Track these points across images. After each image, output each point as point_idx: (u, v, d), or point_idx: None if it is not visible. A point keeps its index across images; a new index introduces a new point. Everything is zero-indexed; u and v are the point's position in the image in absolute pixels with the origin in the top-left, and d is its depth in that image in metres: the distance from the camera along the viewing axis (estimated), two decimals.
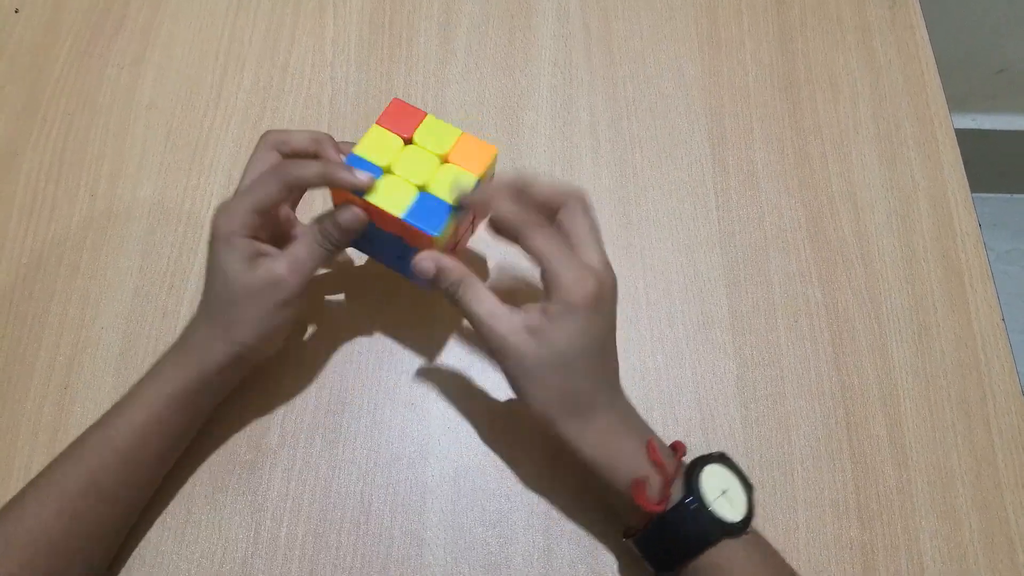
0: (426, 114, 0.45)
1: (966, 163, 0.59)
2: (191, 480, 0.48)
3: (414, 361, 0.52)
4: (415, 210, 0.43)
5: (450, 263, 0.43)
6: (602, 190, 0.57)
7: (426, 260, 0.43)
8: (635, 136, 0.59)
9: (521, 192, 0.43)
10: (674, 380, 0.52)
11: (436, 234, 0.43)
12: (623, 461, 0.41)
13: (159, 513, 0.47)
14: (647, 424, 0.44)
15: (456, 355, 0.52)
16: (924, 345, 0.53)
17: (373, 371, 0.51)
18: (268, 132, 0.47)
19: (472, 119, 0.59)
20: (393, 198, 0.43)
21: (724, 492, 0.40)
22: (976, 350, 0.53)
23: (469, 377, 0.51)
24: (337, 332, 0.52)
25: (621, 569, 0.46)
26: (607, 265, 0.43)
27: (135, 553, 0.46)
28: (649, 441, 0.41)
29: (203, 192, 0.57)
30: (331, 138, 0.46)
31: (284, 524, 0.47)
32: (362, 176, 0.43)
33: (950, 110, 0.61)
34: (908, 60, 0.62)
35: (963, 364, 0.52)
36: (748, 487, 0.41)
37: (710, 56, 0.62)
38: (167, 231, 0.55)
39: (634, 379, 0.51)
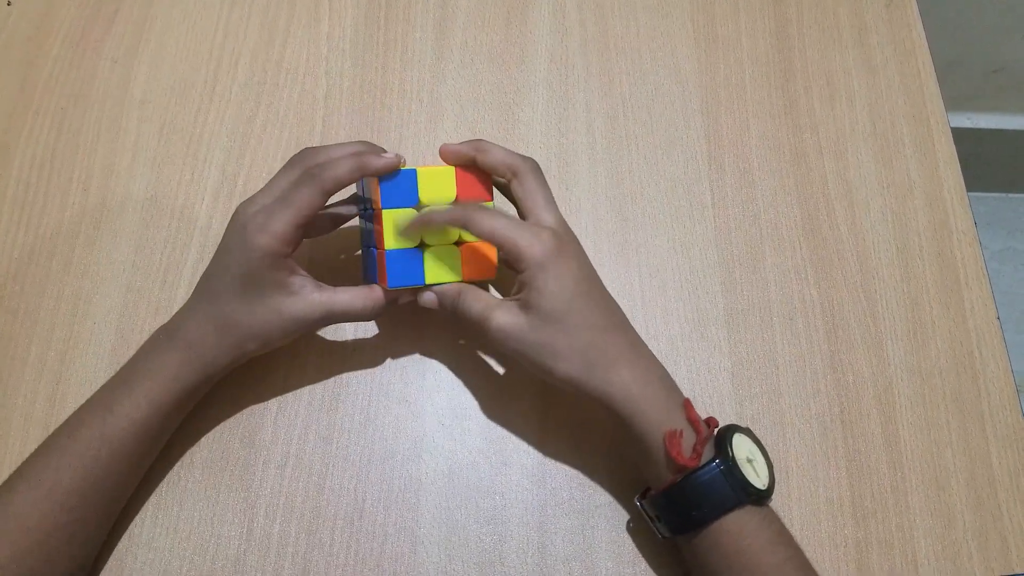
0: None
1: (962, 162, 0.59)
2: (184, 476, 0.48)
3: (408, 358, 0.52)
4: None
5: (447, 285, 0.46)
6: (598, 187, 0.57)
7: (427, 294, 0.46)
8: (631, 133, 0.59)
9: (475, 160, 0.45)
10: None
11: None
12: (655, 412, 0.41)
13: (152, 509, 0.47)
14: (677, 386, 0.44)
15: (450, 352, 0.52)
16: (919, 343, 0.53)
17: (367, 367, 0.51)
18: (305, 153, 0.46)
19: (467, 114, 0.59)
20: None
21: (750, 461, 0.41)
22: (971, 348, 0.53)
23: (463, 374, 0.51)
24: (331, 328, 0.52)
25: (615, 566, 0.46)
26: (561, 222, 0.45)
27: (128, 549, 0.46)
28: (686, 401, 0.42)
29: (197, 187, 0.56)
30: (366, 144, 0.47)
31: (277, 521, 0.47)
32: (390, 156, 0.44)
33: (946, 109, 0.61)
34: (905, 59, 0.62)
35: (958, 362, 0.52)
36: (770, 463, 0.43)
37: (706, 53, 0.62)
38: (160, 226, 0.55)
39: None
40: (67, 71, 0.60)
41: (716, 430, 0.43)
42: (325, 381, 0.51)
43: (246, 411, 0.50)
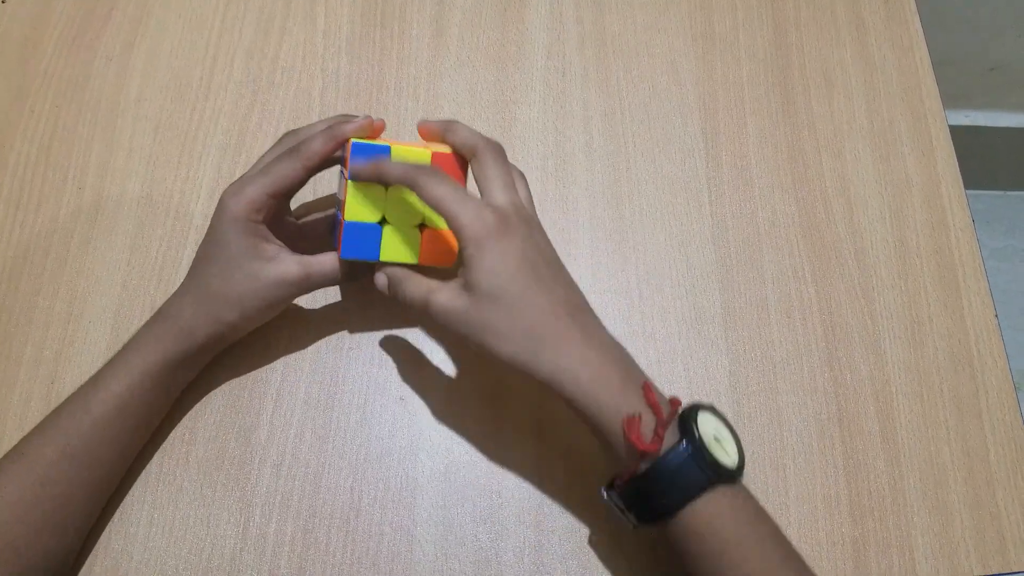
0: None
1: (959, 159, 0.59)
2: (180, 475, 0.48)
3: (405, 356, 0.51)
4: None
5: (395, 269, 0.45)
6: (595, 184, 0.57)
7: (379, 276, 0.45)
8: (628, 130, 0.59)
9: (444, 138, 0.45)
10: (666, 375, 0.51)
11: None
12: (611, 397, 0.39)
13: (147, 508, 0.47)
14: (639, 368, 0.42)
15: (447, 349, 0.52)
16: (917, 341, 0.53)
17: (363, 366, 0.51)
18: (291, 135, 0.48)
19: (465, 113, 0.59)
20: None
21: (717, 440, 0.39)
22: (969, 346, 0.53)
23: (460, 372, 0.51)
24: (327, 326, 0.52)
25: (612, 565, 0.46)
26: (514, 203, 0.42)
27: (123, 548, 0.46)
28: (645, 383, 0.40)
29: (192, 185, 0.56)
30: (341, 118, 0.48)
31: (273, 520, 0.47)
32: (362, 119, 0.45)
33: (944, 106, 0.61)
34: (902, 56, 0.62)
35: (956, 360, 0.52)
36: (737, 439, 0.41)
37: (704, 50, 0.62)
38: (155, 224, 0.55)
39: None
40: (62, 69, 0.60)
41: (679, 410, 0.40)
42: (321, 380, 0.50)
43: (242, 410, 0.49)
